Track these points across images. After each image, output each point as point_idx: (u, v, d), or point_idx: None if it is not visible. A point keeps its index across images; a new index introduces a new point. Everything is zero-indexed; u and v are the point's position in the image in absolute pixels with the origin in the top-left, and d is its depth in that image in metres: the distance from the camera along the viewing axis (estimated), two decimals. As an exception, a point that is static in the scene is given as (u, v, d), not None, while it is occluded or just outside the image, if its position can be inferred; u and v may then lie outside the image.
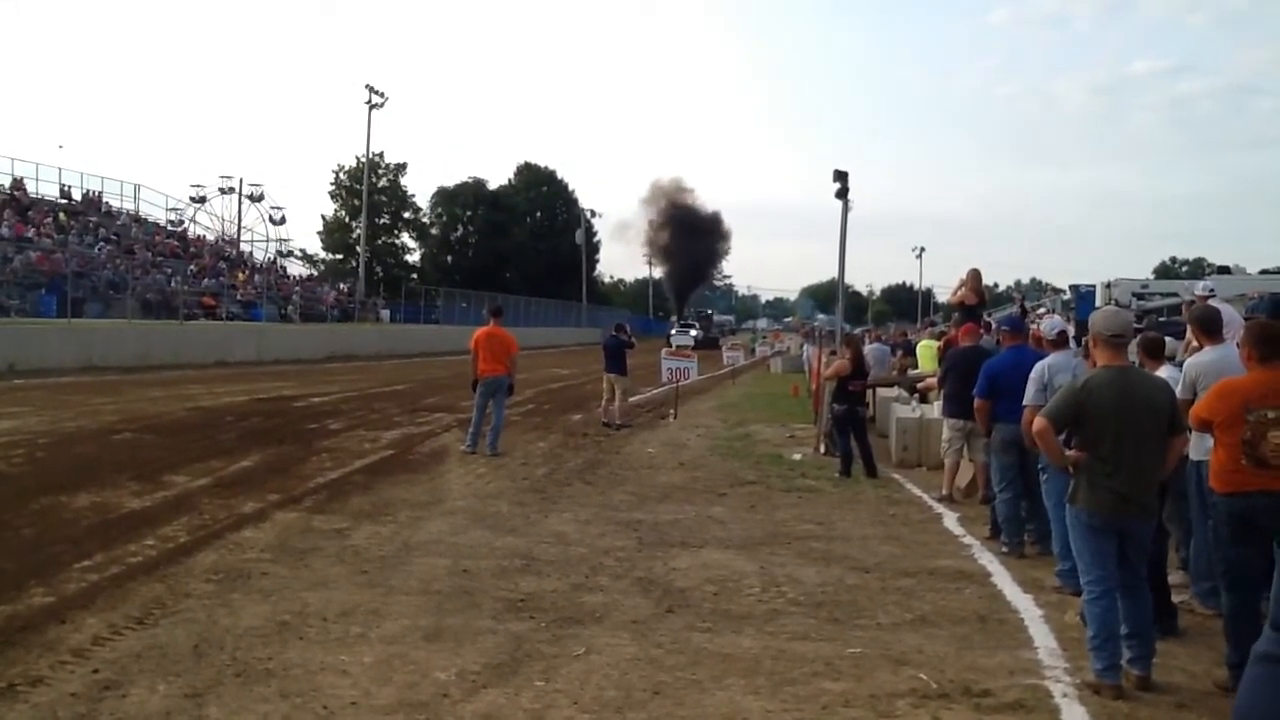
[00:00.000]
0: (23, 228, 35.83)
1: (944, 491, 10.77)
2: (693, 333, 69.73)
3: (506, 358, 13.73)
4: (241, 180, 58.43)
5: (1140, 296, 23.46)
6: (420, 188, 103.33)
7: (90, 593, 6.42)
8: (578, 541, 8.45)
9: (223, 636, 5.64)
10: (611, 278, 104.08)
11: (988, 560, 8.13)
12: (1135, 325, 8.86)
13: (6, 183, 41.76)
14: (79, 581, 6.67)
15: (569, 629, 6.01)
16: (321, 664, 5.25)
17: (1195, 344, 7.55)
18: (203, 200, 55.58)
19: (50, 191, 44.19)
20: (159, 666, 5.13)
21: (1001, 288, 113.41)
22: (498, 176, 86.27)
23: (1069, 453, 5.41)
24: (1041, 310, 23.56)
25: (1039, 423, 5.42)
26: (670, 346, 37.89)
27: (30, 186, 43.02)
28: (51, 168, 45.50)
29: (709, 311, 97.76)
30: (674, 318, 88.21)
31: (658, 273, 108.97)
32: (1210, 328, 6.61)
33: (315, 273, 63.71)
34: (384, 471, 11.85)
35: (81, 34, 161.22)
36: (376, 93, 53.69)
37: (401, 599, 6.56)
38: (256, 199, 58.32)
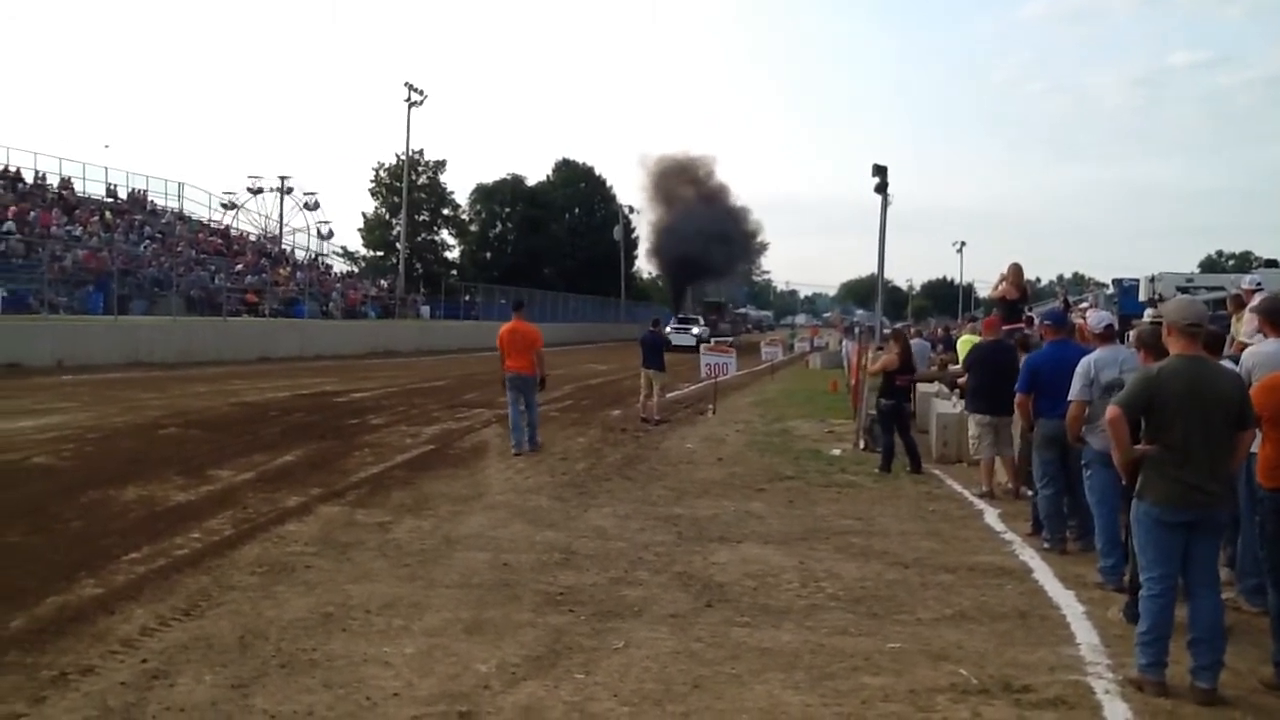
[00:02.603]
0: (49, 218, 36.35)
1: (984, 488, 10.70)
2: (695, 330, 55.53)
3: (531, 352, 13.43)
4: (283, 180, 59.17)
5: (1185, 290, 23.13)
6: (459, 185, 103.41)
7: (138, 584, 6.54)
8: (617, 536, 8.48)
9: (267, 628, 5.73)
10: (650, 274, 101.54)
11: (1029, 556, 8.06)
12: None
13: (55, 182, 42.51)
14: (127, 573, 6.79)
15: (608, 622, 6.04)
16: (364, 655, 5.32)
17: (1243, 340, 7.46)
18: (259, 191, 56.47)
19: (97, 190, 44.97)
20: (205, 657, 5.22)
21: (1043, 282, 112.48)
22: (536, 173, 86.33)
23: (1137, 446, 5.30)
24: (1084, 304, 23.33)
25: (1112, 411, 5.32)
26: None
27: (78, 186, 43.79)
28: (98, 167, 46.40)
29: (721, 301, 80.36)
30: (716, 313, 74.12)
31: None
32: (1278, 319, 6.49)
33: (356, 270, 64.28)
34: (425, 466, 11.94)
35: (127, 35, 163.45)
36: (416, 90, 53.98)
37: (442, 592, 6.62)
38: (312, 207, 59.03)
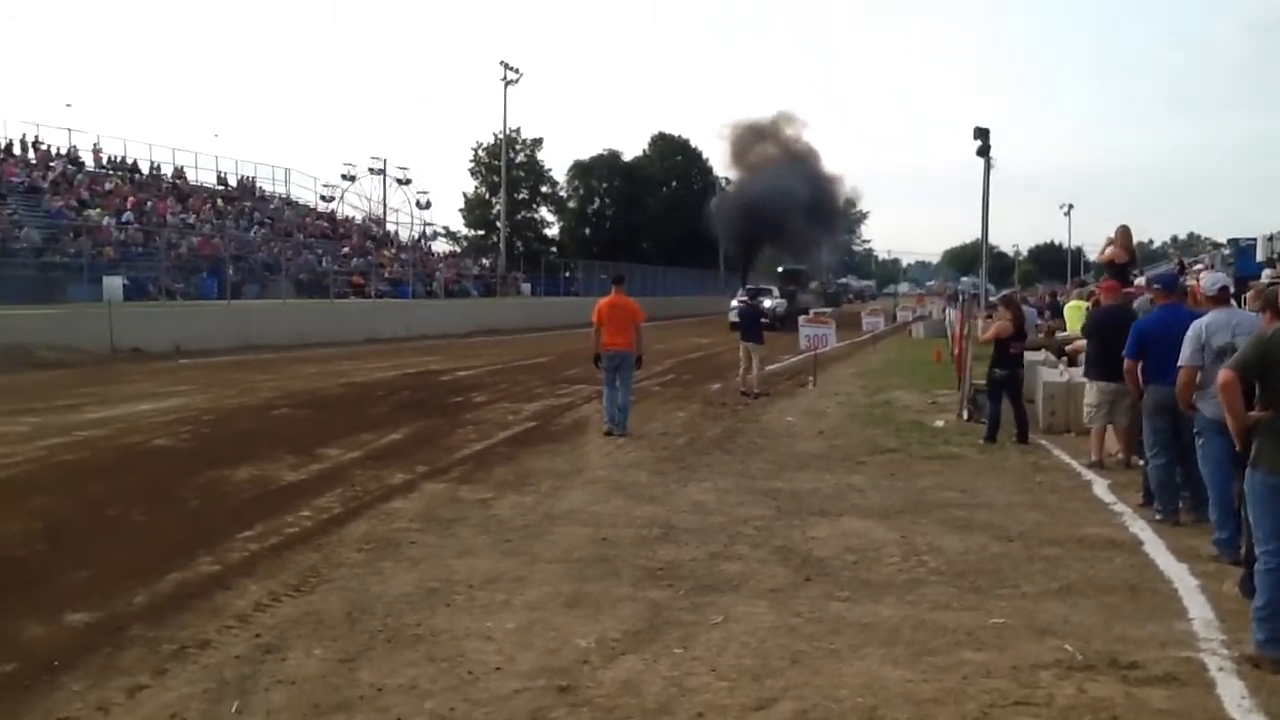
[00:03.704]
0: (164, 207, 37.64)
1: (1094, 457, 10.42)
2: (766, 303, 41.67)
3: (631, 328, 12.90)
4: (380, 160, 60.28)
5: (1307, 248, 22.08)
6: (557, 162, 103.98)
7: (252, 561, 6.78)
8: (716, 510, 8.49)
9: (374, 603, 5.88)
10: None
11: (1140, 528, 7.84)
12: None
13: (169, 172, 44.06)
14: (241, 551, 7.04)
15: (707, 597, 6.07)
16: (467, 630, 5.44)
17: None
18: (353, 179, 57.81)
19: (208, 179, 46.50)
20: (315, 631, 5.39)
21: (1156, 244, 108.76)
22: (632, 148, 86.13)
23: (1252, 412, 5.11)
24: (1199, 266, 22.48)
25: (1225, 375, 5.13)
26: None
27: (190, 175, 45.37)
28: (209, 156, 47.96)
29: (801, 268, 64.80)
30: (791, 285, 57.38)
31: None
32: None
33: (458, 249, 65.24)
34: (526, 442, 12.10)
35: (232, 28, 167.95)
36: (511, 69, 54.44)
37: (543, 567, 6.72)
38: (405, 182, 60.21)
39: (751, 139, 67.55)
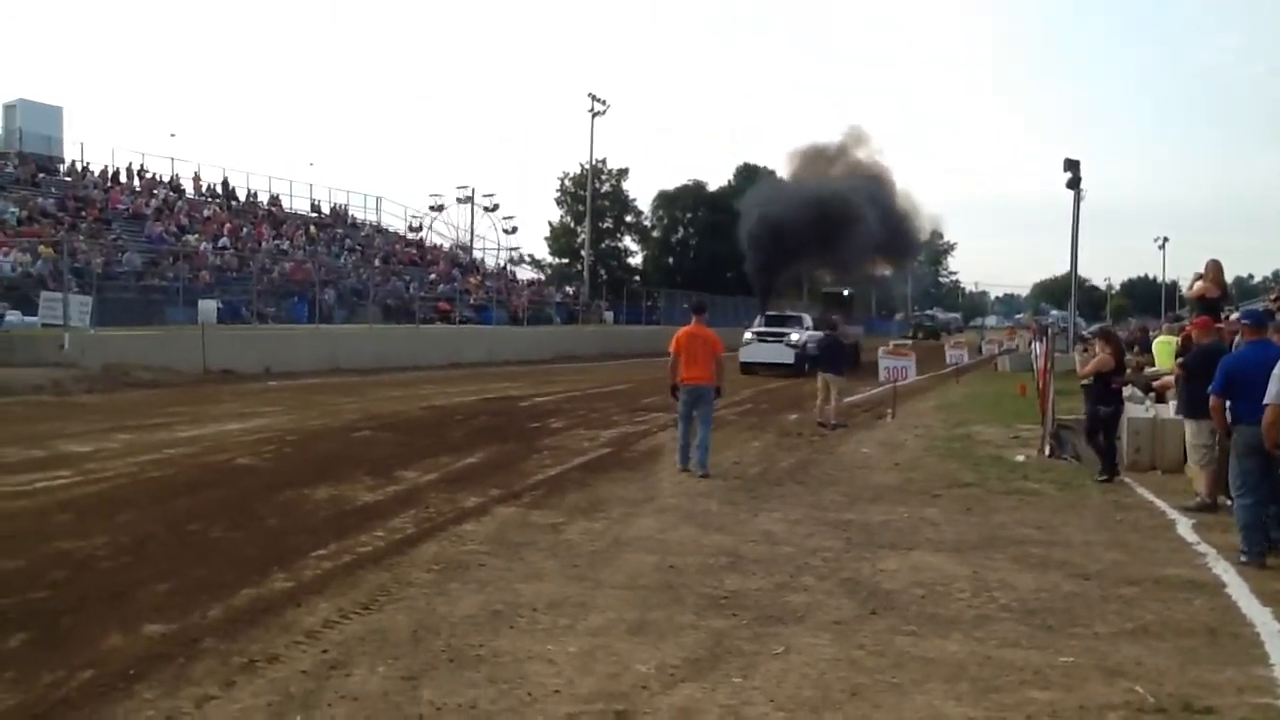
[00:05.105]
0: (260, 233, 38.64)
1: (1207, 499, 9.97)
2: (794, 337, 32.43)
3: (712, 360, 12.08)
4: (474, 190, 61.50)
5: None
6: (642, 192, 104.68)
7: (324, 579, 6.91)
8: (785, 541, 8.44)
9: (439, 624, 5.96)
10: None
11: (1223, 570, 7.59)
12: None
13: (265, 199, 45.41)
14: (315, 569, 7.19)
15: (770, 627, 6.03)
16: (529, 652, 5.48)
17: None
18: (441, 209, 59.29)
19: (302, 206, 47.82)
20: (380, 649, 5.48)
21: (1257, 279, 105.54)
22: (717, 178, 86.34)
23: None
24: (1299, 302, 21.76)
25: None
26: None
27: (285, 202, 46.67)
28: (304, 184, 49.36)
29: (846, 292, 51.47)
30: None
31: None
32: None
33: (543, 277, 66.08)
34: (601, 469, 12.16)
35: (330, 62, 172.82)
36: (599, 101, 55.19)
37: (609, 592, 6.74)
38: (491, 209, 61.51)
39: (815, 163, 56.66)
